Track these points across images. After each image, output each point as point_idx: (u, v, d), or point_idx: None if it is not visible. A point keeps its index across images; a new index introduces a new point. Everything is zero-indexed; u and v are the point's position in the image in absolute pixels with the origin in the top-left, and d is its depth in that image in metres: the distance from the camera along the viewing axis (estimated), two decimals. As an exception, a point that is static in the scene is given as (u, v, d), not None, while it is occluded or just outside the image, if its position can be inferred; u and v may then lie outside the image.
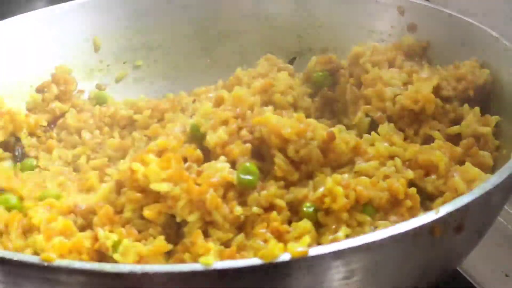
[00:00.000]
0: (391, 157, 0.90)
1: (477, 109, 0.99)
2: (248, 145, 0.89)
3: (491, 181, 0.77)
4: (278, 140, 0.88)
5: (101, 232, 0.81)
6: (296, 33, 1.26)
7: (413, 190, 0.85)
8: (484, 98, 1.02)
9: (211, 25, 1.28)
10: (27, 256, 0.71)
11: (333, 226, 0.81)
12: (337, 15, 1.23)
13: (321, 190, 0.83)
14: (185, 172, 0.83)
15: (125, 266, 0.69)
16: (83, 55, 1.24)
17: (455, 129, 0.98)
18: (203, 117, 0.96)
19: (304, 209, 0.83)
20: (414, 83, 1.01)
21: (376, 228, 0.81)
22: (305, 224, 0.81)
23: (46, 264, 0.69)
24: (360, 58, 1.09)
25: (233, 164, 0.88)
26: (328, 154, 0.89)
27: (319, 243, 0.80)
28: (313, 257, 0.68)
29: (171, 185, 0.82)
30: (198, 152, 0.90)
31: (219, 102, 1.00)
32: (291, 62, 1.25)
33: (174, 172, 0.83)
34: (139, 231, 0.83)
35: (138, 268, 0.68)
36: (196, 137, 0.94)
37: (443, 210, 0.73)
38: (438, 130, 0.98)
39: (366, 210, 0.82)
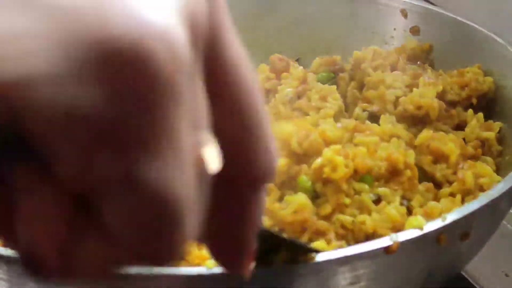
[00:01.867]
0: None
1: (480, 114, 0.99)
2: None
3: (497, 188, 0.77)
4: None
5: None
6: (298, 33, 1.25)
7: (411, 159, 0.84)
8: (488, 104, 1.02)
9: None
10: (32, 256, 0.70)
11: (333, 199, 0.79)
12: (339, 16, 1.22)
13: (319, 160, 0.81)
14: None
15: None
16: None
17: (459, 134, 0.97)
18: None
19: (300, 182, 0.80)
20: (419, 87, 1.00)
21: (375, 195, 0.80)
22: (301, 197, 0.78)
23: (50, 263, 0.68)
24: (361, 63, 1.08)
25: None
26: None
27: (318, 216, 0.79)
28: (319, 262, 0.68)
29: None
30: None
31: None
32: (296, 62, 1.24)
33: None
34: None
35: (144, 269, 0.67)
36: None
37: (450, 218, 0.72)
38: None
39: (364, 179, 0.81)
